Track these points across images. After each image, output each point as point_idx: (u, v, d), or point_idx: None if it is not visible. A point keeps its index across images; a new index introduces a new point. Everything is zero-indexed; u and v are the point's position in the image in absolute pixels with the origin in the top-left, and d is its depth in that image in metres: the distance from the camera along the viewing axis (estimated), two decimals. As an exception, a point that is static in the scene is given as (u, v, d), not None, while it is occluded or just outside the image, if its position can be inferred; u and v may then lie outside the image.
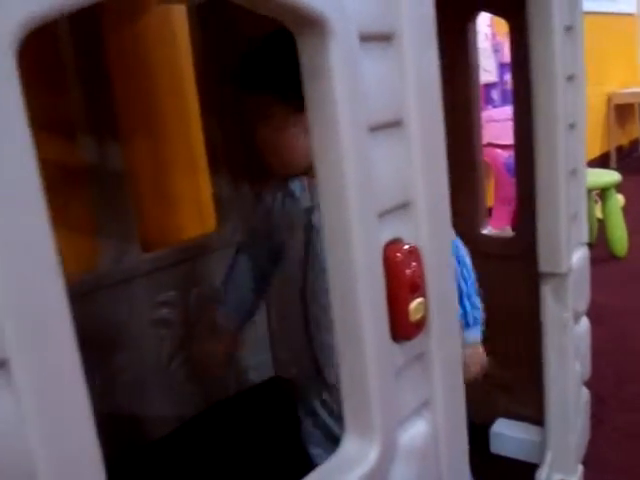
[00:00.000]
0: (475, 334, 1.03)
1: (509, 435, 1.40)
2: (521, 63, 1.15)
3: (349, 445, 0.61)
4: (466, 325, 1.01)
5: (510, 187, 2.42)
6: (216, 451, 1.46)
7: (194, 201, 1.70)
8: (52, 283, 0.35)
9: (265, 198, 1.10)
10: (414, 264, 0.61)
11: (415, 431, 0.66)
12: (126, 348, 1.41)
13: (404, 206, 0.61)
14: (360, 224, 0.55)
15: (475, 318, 1.02)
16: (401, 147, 0.60)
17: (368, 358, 0.58)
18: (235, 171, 1.59)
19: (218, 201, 1.60)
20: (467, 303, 1.01)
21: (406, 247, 0.60)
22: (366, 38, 0.54)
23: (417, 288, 0.61)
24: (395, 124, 0.59)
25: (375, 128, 0.56)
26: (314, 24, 0.50)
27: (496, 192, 2.71)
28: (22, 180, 0.34)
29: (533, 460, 1.32)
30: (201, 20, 1.48)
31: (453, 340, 0.70)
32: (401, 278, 0.59)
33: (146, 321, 1.47)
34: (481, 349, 1.04)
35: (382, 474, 0.61)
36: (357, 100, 0.53)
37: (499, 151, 2.59)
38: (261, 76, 0.96)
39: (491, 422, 1.45)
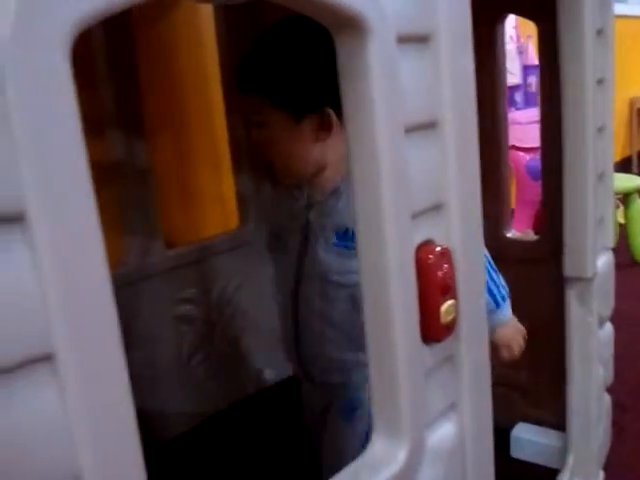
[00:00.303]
0: (507, 310, 1.01)
1: (529, 439, 1.39)
2: (549, 66, 1.14)
3: (378, 445, 0.61)
4: (497, 305, 0.99)
5: (532, 190, 2.41)
6: (234, 450, 1.47)
7: (217, 199, 1.71)
8: (99, 279, 0.36)
9: (274, 196, 1.10)
10: (446, 266, 0.61)
11: (442, 433, 0.66)
12: (147, 344, 1.42)
13: (437, 207, 0.61)
14: (394, 225, 0.55)
15: (503, 296, 0.99)
16: (435, 148, 0.60)
17: (399, 359, 0.58)
18: (258, 169, 1.60)
19: (241, 199, 1.60)
20: (492, 284, 0.99)
21: (438, 249, 0.60)
22: (403, 39, 0.54)
23: (448, 290, 0.61)
24: (430, 125, 0.59)
25: (410, 129, 0.56)
26: (353, 24, 0.50)
27: (518, 195, 2.69)
28: (74, 177, 0.34)
29: (553, 465, 1.31)
30: (228, 18, 1.49)
31: (481, 342, 0.69)
32: (433, 280, 0.59)
33: (168, 317, 1.47)
34: (516, 320, 1.03)
35: (410, 475, 0.61)
36: (394, 101, 0.53)
37: (521, 154, 2.58)
38: (254, 77, 0.92)
39: (510, 426, 1.44)
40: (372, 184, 0.54)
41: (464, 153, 0.62)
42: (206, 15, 1.55)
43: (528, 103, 2.87)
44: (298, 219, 0.99)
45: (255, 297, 1.59)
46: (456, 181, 0.62)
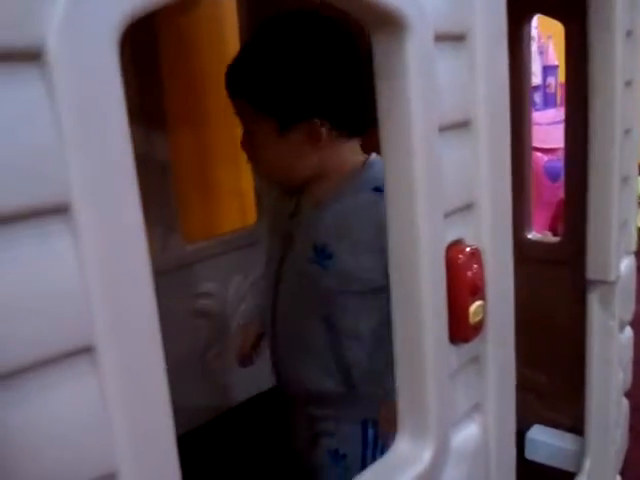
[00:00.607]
0: None
1: (545, 442, 1.39)
2: (575, 66, 1.14)
3: (403, 445, 0.61)
4: None
5: (550, 191, 2.40)
6: (248, 445, 1.47)
7: (235, 194, 1.71)
8: (141, 271, 0.36)
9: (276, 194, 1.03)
10: (475, 266, 0.60)
11: (466, 433, 0.66)
12: (164, 337, 1.42)
13: (468, 207, 0.61)
14: (427, 224, 0.55)
15: None
16: (468, 148, 0.60)
17: (426, 359, 0.58)
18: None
19: (259, 194, 1.61)
20: None
21: (468, 249, 0.60)
22: (440, 37, 0.54)
23: (477, 290, 0.61)
24: (464, 124, 0.59)
25: (445, 128, 0.56)
26: (392, 21, 0.50)
27: (535, 196, 2.67)
28: (119, 168, 0.34)
29: (568, 468, 1.31)
30: (251, 12, 1.49)
31: (508, 344, 0.69)
32: (462, 280, 0.59)
33: (185, 311, 1.48)
34: None
35: (434, 475, 0.60)
36: (430, 100, 0.53)
37: (539, 155, 2.56)
38: (239, 81, 0.87)
39: (525, 427, 1.44)
40: (406, 182, 0.54)
41: (496, 152, 0.62)
42: (229, 9, 1.55)
43: (547, 104, 2.86)
44: (284, 225, 0.95)
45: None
46: (488, 180, 0.61)
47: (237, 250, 1.57)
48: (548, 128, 2.40)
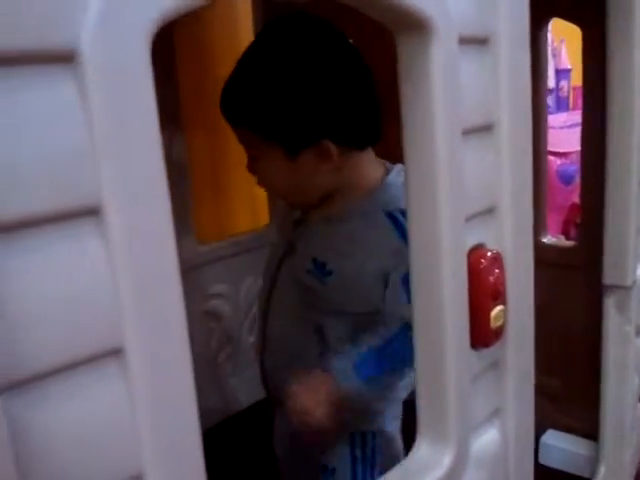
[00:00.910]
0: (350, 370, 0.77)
1: (559, 447, 1.38)
2: (593, 70, 1.13)
3: (423, 450, 0.60)
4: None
5: (562, 195, 2.39)
6: (256, 449, 1.47)
7: (248, 196, 1.71)
8: (170, 274, 0.36)
9: None
10: (497, 271, 0.60)
11: (486, 439, 0.65)
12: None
13: (489, 211, 0.61)
14: (449, 228, 0.54)
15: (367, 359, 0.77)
16: (490, 152, 0.59)
17: (447, 364, 0.57)
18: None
19: (271, 197, 1.61)
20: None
21: (490, 253, 0.60)
22: (465, 40, 0.54)
23: (499, 295, 0.60)
24: (486, 128, 0.58)
25: (467, 132, 0.56)
26: (418, 25, 0.50)
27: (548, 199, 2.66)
28: (150, 171, 0.34)
29: (582, 473, 1.30)
30: (265, 14, 1.49)
31: (527, 349, 0.69)
32: (484, 285, 0.59)
33: (198, 313, 1.48)
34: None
35: (455, 480, 0.60)
36: (454, 103, 0.53)
37: (552, 158, 2.55)
38: (237, 108, 0.80)
39: (539, 432, 1.43)
40: (429, 186, 0.53)
41: (518, 156, 0.62)
42: (244, 11, 1.55)
43: (559, 107, 2.85)
44: (289, 230, 0.93)
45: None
46: (509, 184, 0.61)
47: (249, 252, 1.57)
48: (560, 132, 2.39)
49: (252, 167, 0.85)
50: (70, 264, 0.32)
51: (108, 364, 0.35)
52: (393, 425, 0.94)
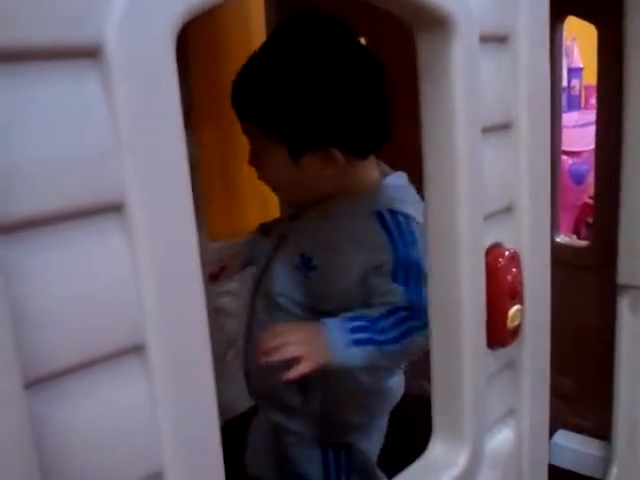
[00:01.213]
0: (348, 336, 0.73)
1: (570, 447, 1.37)
2: (608, 69, 1.12)
3: (438, 449, 0.60)
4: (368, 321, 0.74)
5: (574, 195, 2.38)
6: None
7: (259, 193, 1.71)
8: (192, 270, 0.36)
9: None
10: (514, 270, 0.60)
11: (501, 439, 0.65)
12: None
13: (507, 210, 0.60)
14: (468, 227, 0.54)
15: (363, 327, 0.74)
16: (509, 150, 0.59)
17: (464, 364, 0.57)
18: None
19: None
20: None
21: (507, 252, 0.59)
22: (485, 38, 0.53)
23: (516, 295, 0.60)
24: (505, 126, 0.58)
25: (487, 130, 0.55)
26: (439, 22, 0.49)
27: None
28: (173, 167, 0.34)
29: (594, 474, 1.29)
30: (277, 11, 1.48)
31: (543, 349, 0.68)
32: (502, 284, 0.58)
33: (208, 310, 1.48)
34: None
35: (470, 479, 0.60)
36: (474, 101, 0.53)
37: (564, 157, 2.54)
38: (246, 102, 0.80)
39: (550, 432, 1.42)
40: (447, 184, 0.53)
41: (536, 155, 0.61)
42: (256, 8, 1.55)
43: (571, 106, 2.83)
44: (282, 225, 0.94)
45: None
46: (527, 183, 0.61)
47: (260, 249, 1.57)
48: (572, 131, 2.38)
49: (254, 161, 0.85)
50: (92, 261, 0.32)
51: (129, 361, 0.35)
52: (371, 446, 0.95)
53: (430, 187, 0.55)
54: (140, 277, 0.33)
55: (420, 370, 1.22)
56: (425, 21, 0.50)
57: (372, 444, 0.95)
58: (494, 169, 0.57)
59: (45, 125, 0.30)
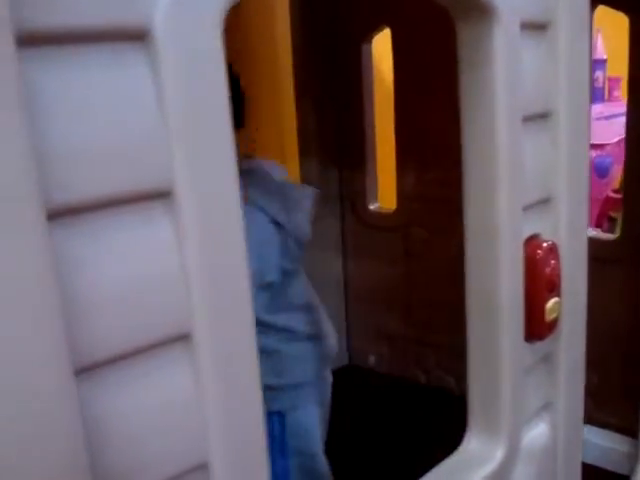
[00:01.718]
0: None
1: (595, 442, 1.36)
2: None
3: (474, 443, 0.59)
4: None
5: (597, 188, 2.35)
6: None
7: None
8: (239, 258, 0.35)
9: None
10: (553, 262, 0.59)
11: (536, 432, 0.64)
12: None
13: (545, 201, 0.59)
14: (507, 217, 0.53)
15: None
16: (548, 140, 0.58)
17: (502, 357, 0.56)
18: (325, 157, 1.59)
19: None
20: None
21: (546, 244, 0.58)
22: (525, 26, 0.52)
23: (554, 287, 0.59)
24: (544, 116, 0.57)
25: (526, 119, 0.54)
26: (482, 11, 0.48)
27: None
28: (221, 155, 0.33)
29: (620, 470, 1.28)
30: (302, 8, 1.47)
31: (580, 342, 0.67)
32: (540, 276, 0.57)
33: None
34: None
35: (506, 474, 0.59)
36: (515, 90, 0.52)
37: (586, 150, 2.51)
38: None
39: (575, 428, 1.41)
40: (488, 174, 0.52)
41: (575, 146, 0.60)
42: (281, 8, 1.54)
43: (595, 98, 2.80)
44: None
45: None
46: (566, 174, 0.60)
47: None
48: (597, 123, 2.35)
49: None
50: (140, 248, 0.32)
51: (176, 349, 0.34)
52: (308, 419, 0.96)
53: (470, 175, 0.54)
54: (187, 265, 0.33)
55: (442, 363, 1.21)
56: (467, 10, 0.50)
57: (309, 417, 0.96)
58: (533, 160, 0.56)
59: (92, 108, 0.30)
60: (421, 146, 1.40)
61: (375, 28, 1.43)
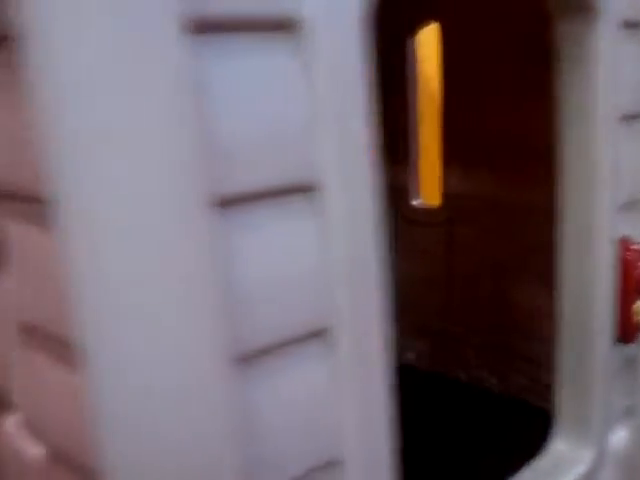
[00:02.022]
0: None
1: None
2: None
3: (561, 446, 0.59)
4: None
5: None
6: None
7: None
8: (377, 258, 0.35)
9: None
10: (641, 264, 0.58)
11: (619, 437, 0.64)
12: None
13: (635, 203, 0.59)
14: (604, 218, 0.53)
15: None
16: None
17: (593, 359, 0.56)
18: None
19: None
20: None
21: (636, 246, 0.58)
22: (626, 25, 0.52)
23: (643, 289, 0.58)
24: (638, 116, 0.56)
25: (624, 119, 0.54)
26: (583, 9, 0.48)
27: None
28: (365, 152, 0.33)
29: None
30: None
31: (661, 346, 0.67)
32: (630, 278, 0.57)
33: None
34: None
35: (595, 476, 0.59)
36: (614, 89, 0.51)
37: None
38: None
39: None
40: (586, 173, 0.52)
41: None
42: None
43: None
44: None
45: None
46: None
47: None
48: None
49: None
50: (287, 242, 0.32)
51: (315, 344, 0.34)
52: None
53: (567, 174, 0.54)
54: (330, 260, 0.33)
55: (483, 362, 1.19)
56: (567, 9, 0.49)
57: None
58: (627, 159, 0.56)
59: (239, 98, 0.30)
60: (468, 144, 1.40)
61: (421, 22, 1.43)
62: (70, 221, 0.26)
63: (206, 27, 0.28)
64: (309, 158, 0.32)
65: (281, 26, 0.31)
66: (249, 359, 0.32)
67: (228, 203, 0.29)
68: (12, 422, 0.38)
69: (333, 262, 0.33)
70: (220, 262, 0.29)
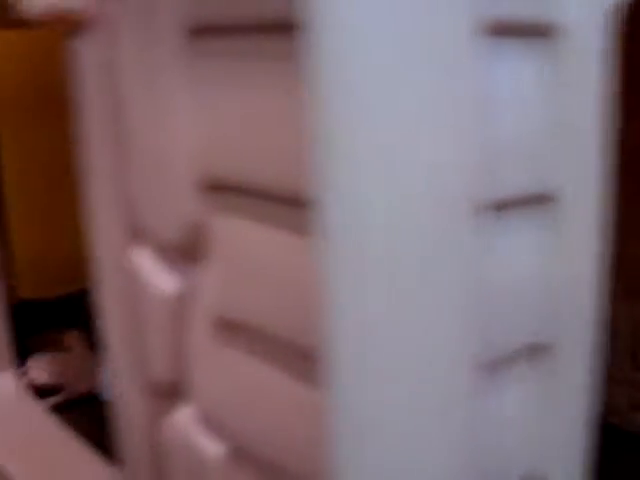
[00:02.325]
0: None
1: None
2: None
3: None
4: None
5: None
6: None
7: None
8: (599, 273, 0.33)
9: None
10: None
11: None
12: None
13: None
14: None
15: None
16: None
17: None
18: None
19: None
20: None
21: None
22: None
23: None
24: None
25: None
26: None
27: None
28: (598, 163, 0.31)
29: None
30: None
31: None
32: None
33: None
34: None
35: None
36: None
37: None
38: None
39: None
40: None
41: None
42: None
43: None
44: None
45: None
46: None
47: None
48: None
49: None
50: (528, 251, 0.30)
51: (537, 358, 0.33)
52: None
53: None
54: (562, 274, 0.31)
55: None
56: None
57: None
58: None
59: (520, 102, 0.28)
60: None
61: None
62: (335, 230, 0.25)
63: (496, 30, 0.26)
64: (551, 168, 0.30)
65: (545, 32, 0.29)
66: (496, 366, 0.30)
67: (496, 207, 0.28)
68: (186, 415, 0.37)
69: (563, 277, 0.31)
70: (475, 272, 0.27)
